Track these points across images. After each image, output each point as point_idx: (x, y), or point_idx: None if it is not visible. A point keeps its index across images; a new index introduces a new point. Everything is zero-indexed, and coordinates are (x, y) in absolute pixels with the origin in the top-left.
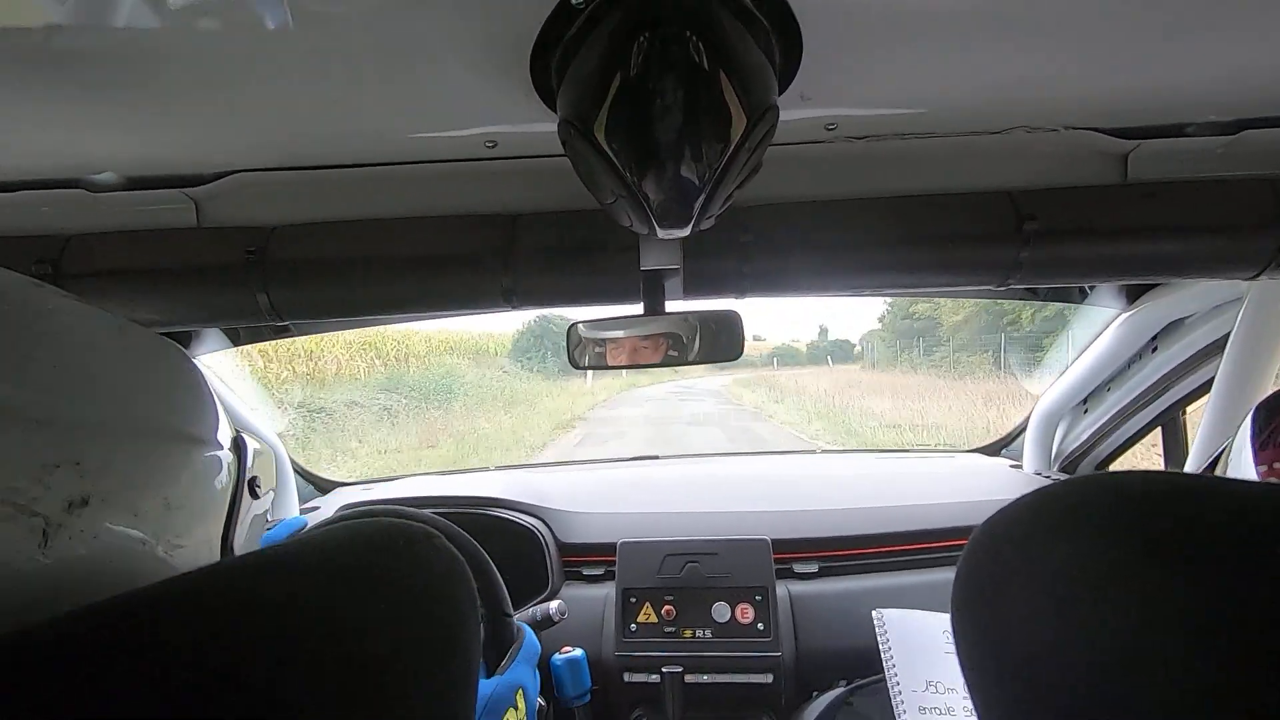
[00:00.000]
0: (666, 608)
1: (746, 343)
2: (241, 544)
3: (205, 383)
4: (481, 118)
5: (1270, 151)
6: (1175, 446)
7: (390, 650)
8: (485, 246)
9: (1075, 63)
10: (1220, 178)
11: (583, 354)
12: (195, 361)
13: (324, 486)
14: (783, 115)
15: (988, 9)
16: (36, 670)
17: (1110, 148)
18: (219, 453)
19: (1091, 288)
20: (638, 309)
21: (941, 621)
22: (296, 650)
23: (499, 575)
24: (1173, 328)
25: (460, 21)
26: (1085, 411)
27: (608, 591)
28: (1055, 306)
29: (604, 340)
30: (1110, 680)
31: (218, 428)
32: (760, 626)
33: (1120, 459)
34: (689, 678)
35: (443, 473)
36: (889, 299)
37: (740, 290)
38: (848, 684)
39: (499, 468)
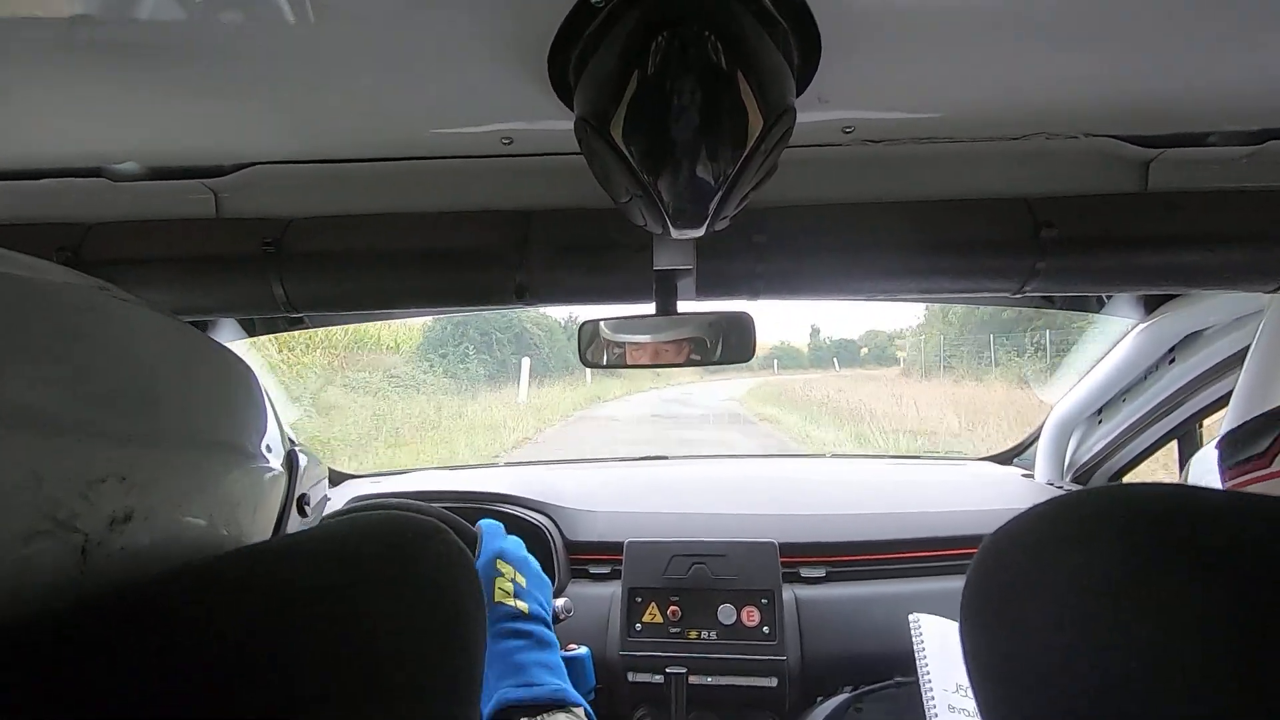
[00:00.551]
0: (672, 608)
1: None
2: None
3: (263, 394)
4: (499, 114)
5: None
6: None
7: (397, 641)
8: (499, 243)
9: (1096, 69)
10: (1243, 188)
11: (598, 352)
12: (252, 370)
13: (334, 478)
14: (800, 117)
15: (1008, 13)
16: (50, 651)
17: (1131, 156)
18: (271, 468)
19: (1108, 297)
20: (649, 308)
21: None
22: (305, 637)
23: (464, 522)
24: (1191, 339)
25: (481, 19)
26: (1100, 422)
27: (614, 590)
28: None
29: (621, 339)
30: (1127, 693)
31: (271, 442)
32: (766, 630)
33: (1134, 471)
34: (693, 679)
35: (452, 467)
36: None
37: (753, 292)
38: (853, 690)
39: (509, 464)
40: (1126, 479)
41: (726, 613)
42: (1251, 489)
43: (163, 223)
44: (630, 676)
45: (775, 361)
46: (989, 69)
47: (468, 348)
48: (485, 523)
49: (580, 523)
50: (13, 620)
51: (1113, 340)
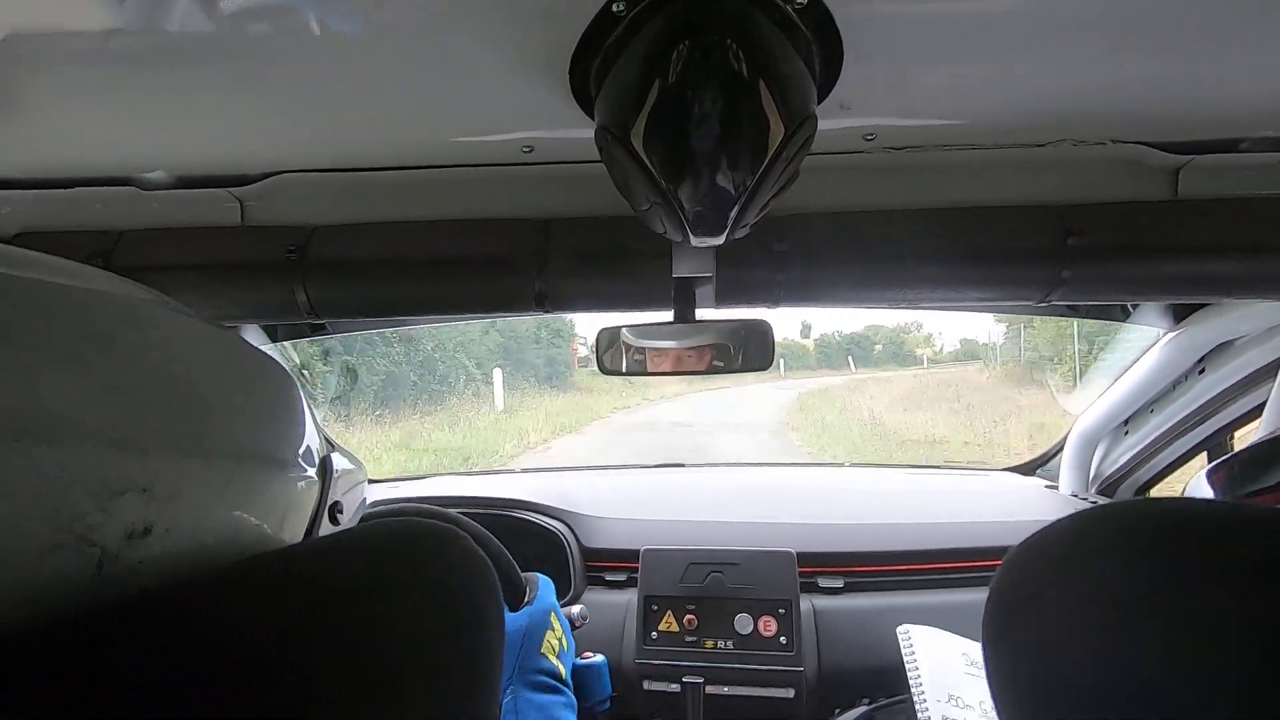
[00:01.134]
0: (688, 617)
1: None
2: None
3: (301, 401)
4: (520, 123)
5: None
6: None
7: (414, 646)
8: (519, 250)
9: (1124, 74)
10: (1276, 196)
11: (617, 359)
12: (291, 376)
13: None
14: (821, 124)
15: (1033, 18)
16: (69, 652)
17: (1160, 163)
18: (303, 476)
19: (1135, 306)
20: (667, 316)
21: (961, 645)
22: (321, 639)
23: (513, 563)
24: (1222, 349)
25: (504, 28)
26: (1126, 433)
27: (629, 598)
28: None
29: (638, 346)
30: (1151, 706)
31: (305, 449)
32: (783, 640)
33: (1162, 484)
34: (709, 689)
35: (469, 473)
36: None
37: (773, 300)
38: (870, 703)
39: (524, 470)
40: (1154, 492)
41: (743, 622)
42: None
43: (190, 230)
44: (646, 685)
45: (781, 362)
46: (1014, 75)
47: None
48: (541, 576)
49: (596, 529)
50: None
51: (1139, 349)
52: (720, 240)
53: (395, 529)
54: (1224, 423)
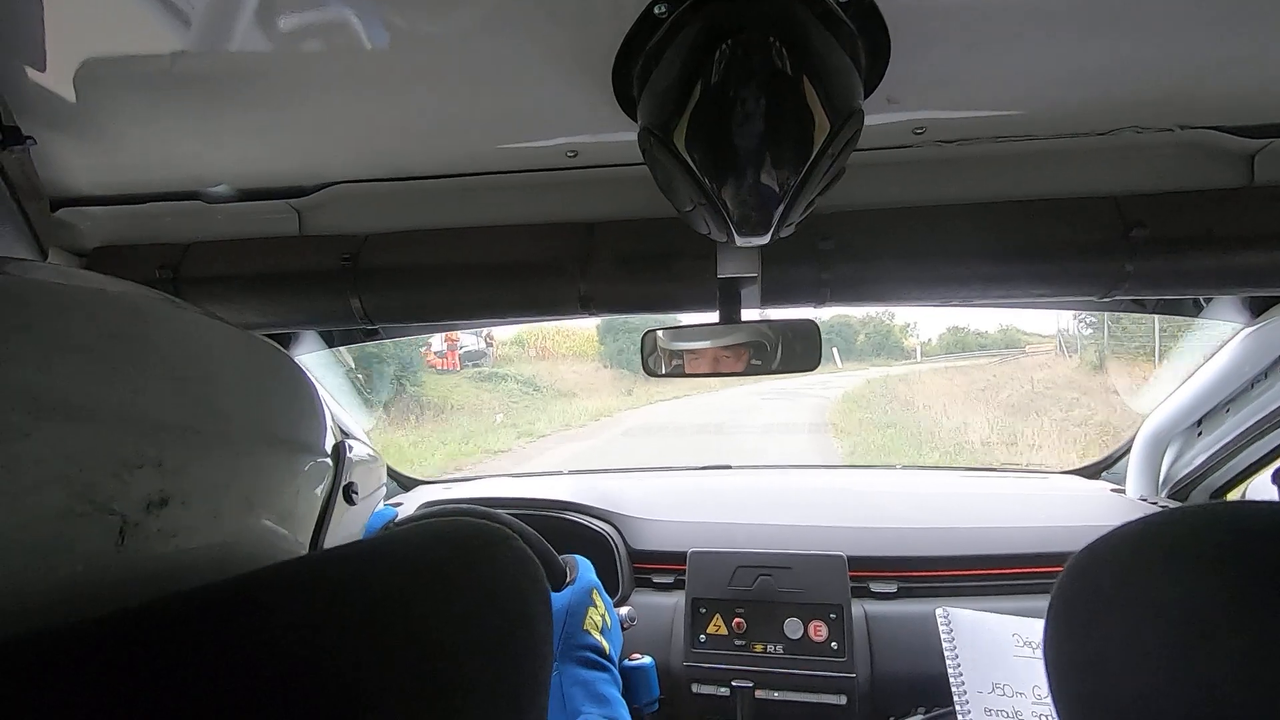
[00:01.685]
0: (737, 620)
1: None
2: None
3: (311, 390)
4: (564, 127)
5: None
6: None
7: (464, 647)
8: (564, 254)
9: (1191, 56)
10: None
11: (659, 362)
12: (303, 369)
13: (406, 484)
14: (868, 119)
15: (1094, 0)
16: (112, 650)
17: (1233, 148)
18: (315, 459)
19: (1208, 300)
20: (713, 317)
21: (1012, 624)
22: (372, 638)
23: (553, 551)
24: None
25: (547, 35)
26: (1199, 434)
27: (677, 600)
28: None
29: (683, 348)
30: None
31: (317, 434)
32: (834, 646)
33: (1239, 489)
34: (759, 693)
35: (518, 475)
36: None
37: (819, 299)
38: (926, 712)
39: (572, 472)
40: (1231, 497)
41: (793, 626)
42: None
43: (252, 241)
44: (694, 688)
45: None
46: (1072, 61)
47: None
48: (579, 558)
49: (644, 531)
50: (54, 598)
51: (1212, 346)
52: (765, 240)
53: (444, 530)
54: None
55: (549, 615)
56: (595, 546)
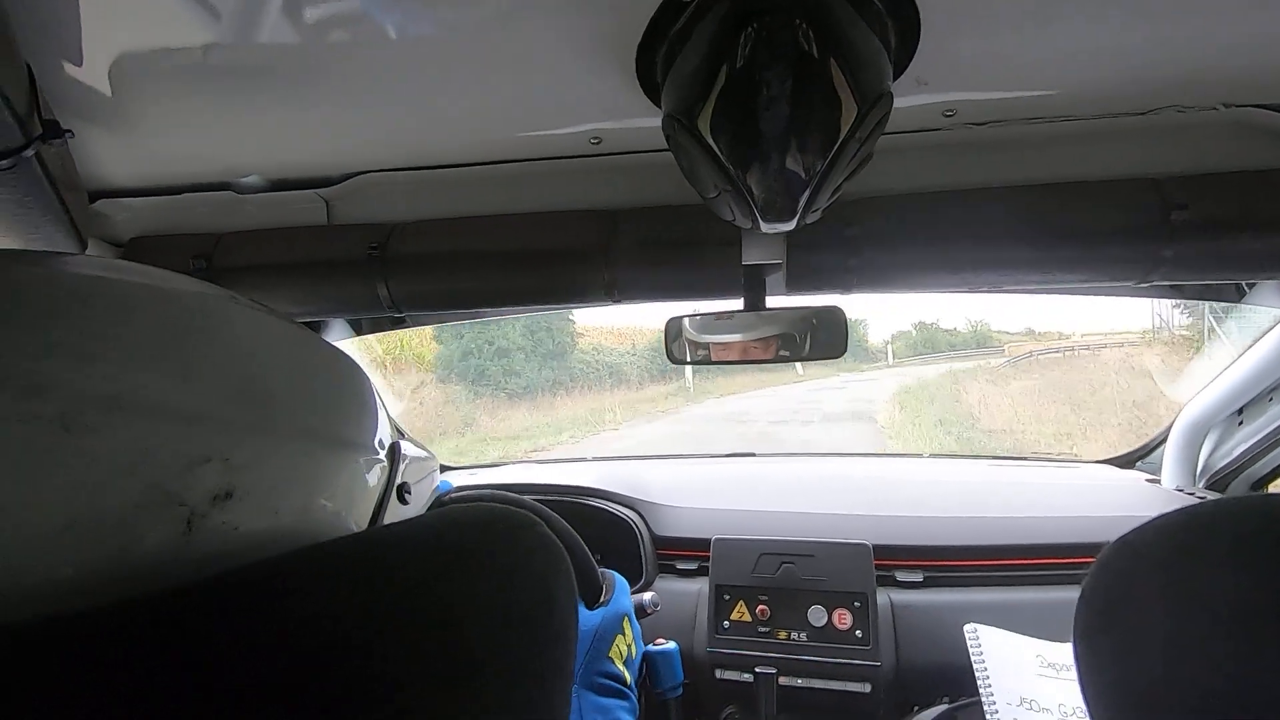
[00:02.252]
0: (760, 607)
1: None
2: None
3: (370, 390)
4: (588, 115)
5: None
6: None
7: (488, 629)
8: (588, 241)
9: (1238, 30)
10: None
11: (684, 349)
12: (360, 367)
13: None
14: (897, 102)
15: None
16: (154, 628)
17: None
18: (372, 458)
19: (1250, 285)
20: (738, 304)
21: (1035, 646)
22: (397, 621)
23: (590, 557)
24: None
25: (570, 22)
26: (1240, 424)
27: (701, 587)
28: None
29: (708, 337)
30: None
31: (374, 434)
32: (859, 634)
33: None
34: (783, 680)
35: (543, 461)
36: None
37: (845, 286)
38: (951, 702)
39: (596, 458)
40: (1273, 489)
41: (817, 614)
42: None
43: (281, 231)
44: (718, 674)
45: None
46: (1110, 38)
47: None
48: (618, 576)
49: (668, 518)
50: (123, 581)
51: (1254, 332)
52: (791, 226)
53: (469, 515)
54: None
55: (573, 599)
56: (619, 532)
